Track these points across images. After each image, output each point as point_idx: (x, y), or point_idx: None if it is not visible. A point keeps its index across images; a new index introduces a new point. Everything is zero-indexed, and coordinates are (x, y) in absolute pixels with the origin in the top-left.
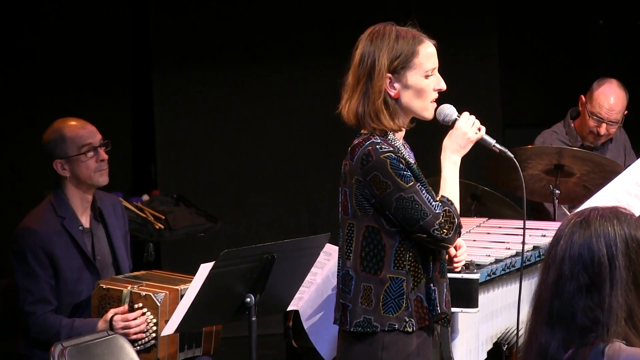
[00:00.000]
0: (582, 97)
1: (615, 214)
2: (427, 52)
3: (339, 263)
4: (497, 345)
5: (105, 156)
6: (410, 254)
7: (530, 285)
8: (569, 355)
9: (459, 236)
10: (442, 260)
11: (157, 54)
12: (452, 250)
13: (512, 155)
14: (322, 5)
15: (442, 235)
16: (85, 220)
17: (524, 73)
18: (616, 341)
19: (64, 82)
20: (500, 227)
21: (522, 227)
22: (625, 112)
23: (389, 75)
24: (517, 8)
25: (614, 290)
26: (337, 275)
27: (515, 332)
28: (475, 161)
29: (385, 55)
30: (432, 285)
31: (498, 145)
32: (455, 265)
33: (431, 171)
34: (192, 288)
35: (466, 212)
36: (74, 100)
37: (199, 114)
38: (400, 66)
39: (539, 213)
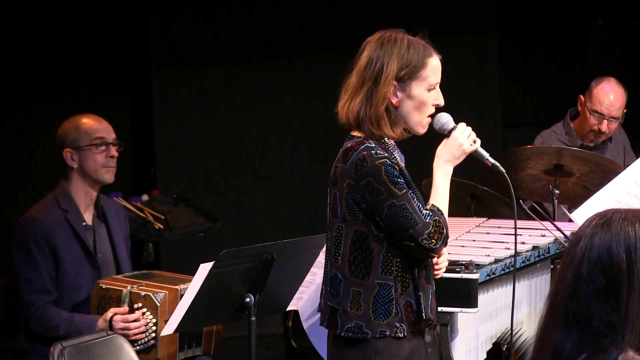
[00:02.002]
0: (581, 96)
1: (638, 217)
2: (434, 66)
3: (326, 265)
4: (496, 345)
5: (115, 153)
6: (398, 260)
7: (529, 285)
8: (583, 359)
9: (445, 246)
10: (427, 266)
11: (157, 54)
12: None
13: (503, 170)
14: (322, 6)
15: (430, 245)
16: (88, 217)
17: (524, 73)
18: (629, 350)
19: (64, 82)
20: (499, 227)
21: (523, 227)
22: (625, 110)
23: (395, 82)
24: (516, 8)
25: (631, 297)
26: (324, 277)
27: (515, 332)
28: (475, 161)
29: (395, 62)
30: (418, 291)
31: (491, 159)
32: (435, 272)
33: (426, 174)
34: (192, 288)
35: (466, 212)
36: (73, 100)
37: (198, 114)
38: (407, 75)
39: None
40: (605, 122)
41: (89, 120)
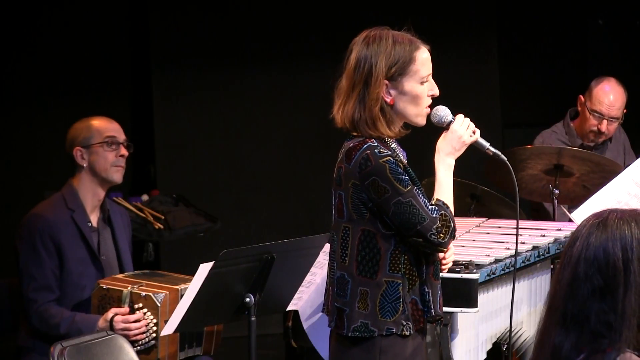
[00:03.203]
0: (581, 96)
1: (634, 217)
2: (423, 58)
3: (332, 267)
4: (496, 345)
5: (125, 153)
6: (406, 257)
7: (529, 285)
8: (581, 359)
9: (454, 240)
10: (435, 262)
11: (157, 55)
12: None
13: (505, 159)
14: (322, 6)
15: (439, 239)
16: (93, 219)
17: (524, 73)
18: (628, 351)
19: (64, 83)
20: (499, 227)
21: (522, 227)
22: (625, 110)
23: (386, 81)
24: (517, 8)
25: (627, 295)
26: (331, 278)
27: (515, 332)
28: (475, 161)
29: (383, 61)
30: (425, 287)
31: (492, 149)
32: (442, 267)
33: (425, 172)
34: (192, 288)
35: (466, 212)
36: (73, 101)
37: (198, 114)
38: (397, 73)
39: (538, 213)
40: (605, 122)
41: (100, 120)
